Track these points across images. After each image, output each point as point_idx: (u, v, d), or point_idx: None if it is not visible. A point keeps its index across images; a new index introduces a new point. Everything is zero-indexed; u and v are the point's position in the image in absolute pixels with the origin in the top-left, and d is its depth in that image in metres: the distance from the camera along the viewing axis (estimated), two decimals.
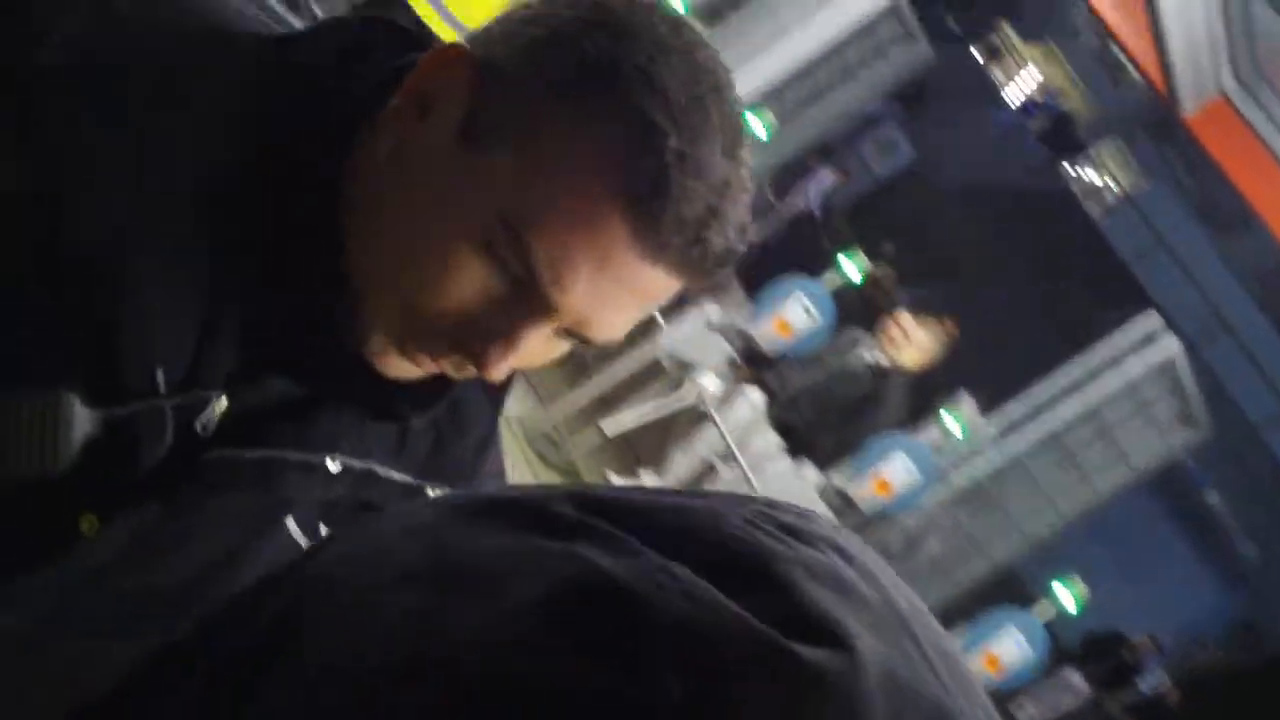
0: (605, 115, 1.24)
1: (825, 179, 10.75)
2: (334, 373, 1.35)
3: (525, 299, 1.28)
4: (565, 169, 1.25)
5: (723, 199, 1.25)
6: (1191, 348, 9.20)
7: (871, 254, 8.46)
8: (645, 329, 6.65)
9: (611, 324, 1.32)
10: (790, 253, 9.07)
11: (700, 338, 6.95)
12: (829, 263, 7.56)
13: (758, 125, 7.23)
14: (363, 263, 1.31)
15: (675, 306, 6.61)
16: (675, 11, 1.35)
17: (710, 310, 7.02)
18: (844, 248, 7.68)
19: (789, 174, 10.71)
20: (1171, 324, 8.84)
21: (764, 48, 6.83)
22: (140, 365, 1.26)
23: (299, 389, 1.36)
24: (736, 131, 1.27)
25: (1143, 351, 8.43)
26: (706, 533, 0.69)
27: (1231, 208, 10.20)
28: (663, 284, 1.29)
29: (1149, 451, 8.58)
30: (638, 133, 1.23)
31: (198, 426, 1.30)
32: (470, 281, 1.28)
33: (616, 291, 1.28)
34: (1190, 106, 8.05)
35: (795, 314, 7.00)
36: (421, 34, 1.41)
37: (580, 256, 1.25)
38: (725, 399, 6.75)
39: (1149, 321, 8.60)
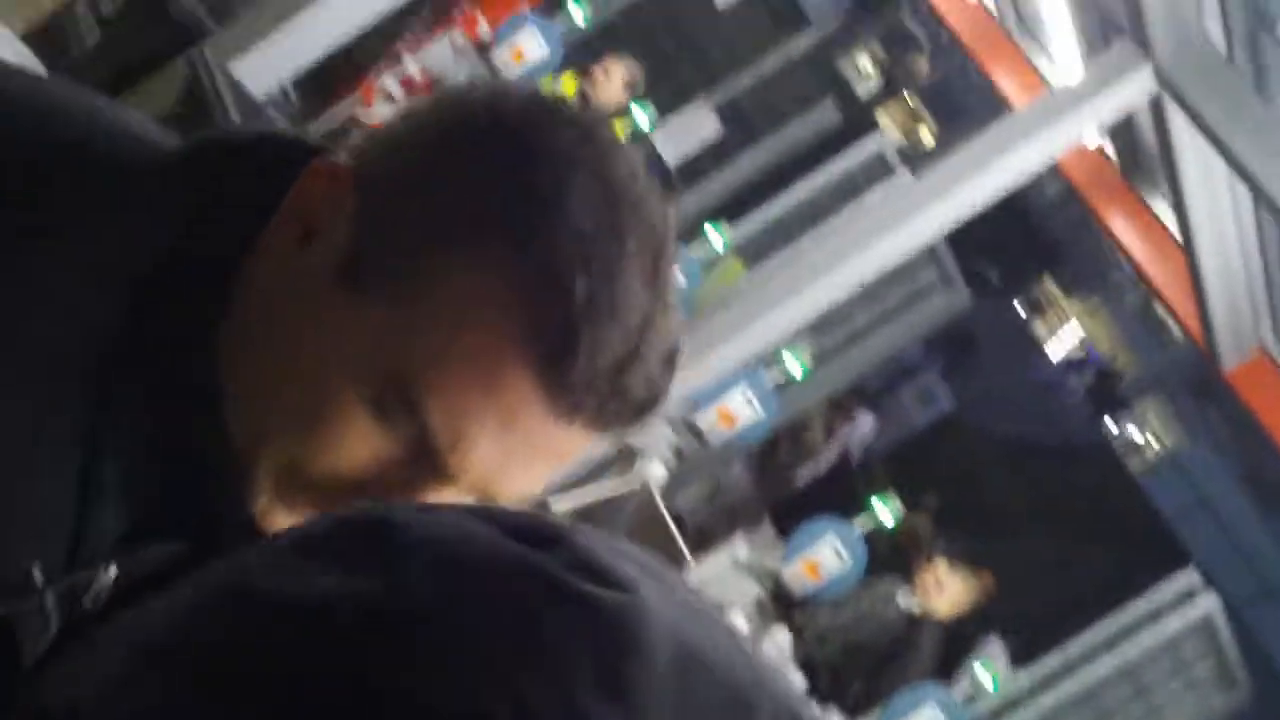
0: (503, 253, 1.07)
1: (865, 423, 10.74)
2: (220, 537, 1.13)
3: (422, 462, 1.10)
4: (459, 317, 1.07)
5: (643, 338, 1.09)
6: (1231, 608, 9.04)
7: (911, 503, 8.40)
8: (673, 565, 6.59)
9: (521, 485, 1.14)
10: (824, 495, 9.01)
11: (727, 577, 6.85)
12: (863, 506, 7.49)
13: (794, 365, 7.21)
14: (243, 413, 1.13)
15: (703, 544, 6.54)
16: (584, 111, 1.16)
17: (739, 549, 6.93)
18: (879, 493, 7.62)
19: (830, 418, 10.70)
20: (1211, 583, 8.71)
21: (800, 289, 6.83)
22: (11, 566, 1.09)
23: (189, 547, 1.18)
24: (658, 251, 1.10)
25: (1181, 609, 8.30)
26: (521, 519, 0.71)
27: (1274, 466, 10.13)
28: (578, 440, 1.13)
29: (1186, 713, 8.40)
30: (541, 274, 1.07)
31: (86, 603, 1.13)
32: (359, 442, 1.10)
33: (525, 450, 1.10)
34: (1231, 362, 8.02)
35: (826, 556, 6.89)
36: (318, 144, 1.23)
37: (481, 417, 1.08)
38: (752, 639, 6.64)
39: (1188, 578, 8.48)
